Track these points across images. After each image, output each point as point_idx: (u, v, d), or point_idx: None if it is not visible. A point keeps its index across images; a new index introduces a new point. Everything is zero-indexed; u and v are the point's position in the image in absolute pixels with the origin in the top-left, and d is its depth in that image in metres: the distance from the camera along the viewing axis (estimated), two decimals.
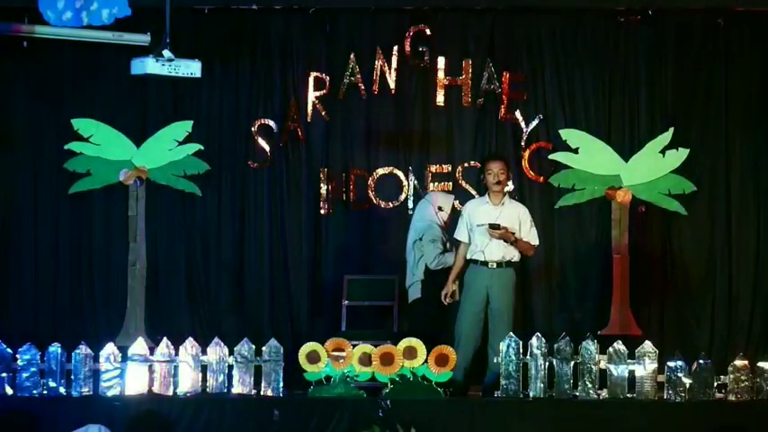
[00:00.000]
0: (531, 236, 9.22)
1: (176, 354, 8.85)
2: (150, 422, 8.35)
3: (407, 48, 10.56)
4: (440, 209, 9.69)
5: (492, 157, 9.43)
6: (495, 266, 9.11)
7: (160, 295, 10.49)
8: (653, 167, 10.33)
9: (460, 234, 9.28)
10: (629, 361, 8.79)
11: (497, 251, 9.10)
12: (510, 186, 9.95)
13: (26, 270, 10.53)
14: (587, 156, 10.39)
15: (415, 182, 10.56)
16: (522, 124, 10.59)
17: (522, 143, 10.59)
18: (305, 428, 8.34)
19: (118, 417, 8.25)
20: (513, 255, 9.16)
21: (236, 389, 8.82)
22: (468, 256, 9.22)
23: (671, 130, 10.33)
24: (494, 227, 9.01)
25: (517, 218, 9.18)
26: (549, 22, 10.62)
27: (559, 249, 10.57)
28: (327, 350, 8.83)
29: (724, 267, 10.51)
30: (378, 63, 10.54)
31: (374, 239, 10.64)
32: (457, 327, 9.23)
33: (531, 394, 8.76)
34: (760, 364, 8.80)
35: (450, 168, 10.59)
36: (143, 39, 9.55)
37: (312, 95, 10.59)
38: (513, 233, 9.07)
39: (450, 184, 10.55)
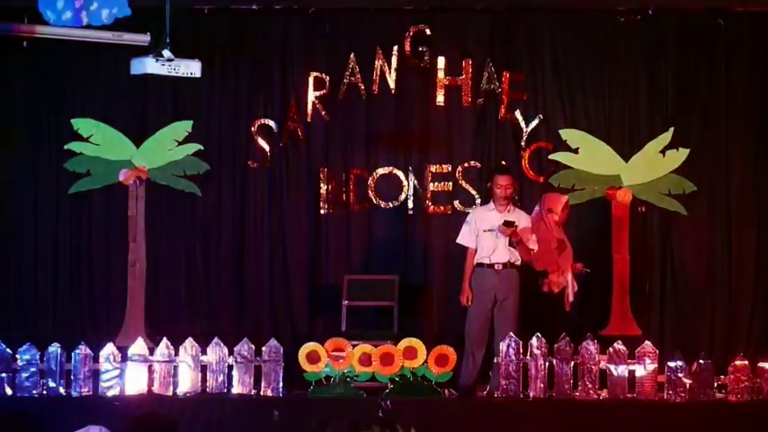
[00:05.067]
0: (531, 242, 9.33)
1: (176, 354, 8.85)
2: (151, 423, 8.33)
3: (407, 48, 10.55)
4: (549, 210, 9.76)
5: (501, 171, 9.63)
6: (501, 267, 9.25)
7: (160, 295, 10.47)
8: (653, 167, 10.33)
9: (466, 240, 9.43)
10: (629, 361, 8.79)
11: (504, 255, 9.27)
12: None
13: (26, 270, 10.52)
14: (587, 156, 10.39)
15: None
16: (522, 124, 10.58)
17: (522, 143, 10.58)
18: (305, 428, 8.33)
19: (118, 417, 8.24)
20: (517, 258, 9.33)
21: (236, 389, 8.82)
22: (475, 261, 9.34)
23: (671, 130, 10.33)
24: (507, 224, 9.16)
25: (521, 224, 9.29)
26: (549, 22, 10.61)
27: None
28: (327, 350, 8.84)
29: (724, 267, 10.50)
30: (378, 63, 10.53)
31: (374, 239, 10.63)
32: (467, 329, 9.30)
33: (531, 394, 8.77)
34: (760, 364, 8.81)
35: (450, 168, 10.57)
36: (143, 39, 9.53)
37: (312, 95, 10.58)
38: (520, 236, 9.24)
39: (450, 184, 10.54)
